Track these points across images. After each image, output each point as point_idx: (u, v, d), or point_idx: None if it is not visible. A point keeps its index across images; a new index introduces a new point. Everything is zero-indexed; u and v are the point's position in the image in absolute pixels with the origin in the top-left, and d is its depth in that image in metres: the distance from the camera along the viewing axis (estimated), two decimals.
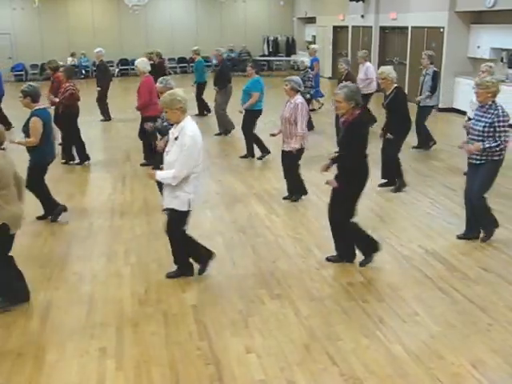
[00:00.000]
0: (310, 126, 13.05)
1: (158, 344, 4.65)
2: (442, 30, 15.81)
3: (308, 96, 12.81)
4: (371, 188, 8.74)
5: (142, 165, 10.06)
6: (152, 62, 13.28)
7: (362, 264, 6.01)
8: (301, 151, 7.92)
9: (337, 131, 11.01)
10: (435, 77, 11.00)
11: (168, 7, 26.90)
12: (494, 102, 6.18)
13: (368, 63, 13.17)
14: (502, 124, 6.07)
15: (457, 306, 5.22)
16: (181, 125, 5.27)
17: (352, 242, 6.06)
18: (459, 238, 6.70)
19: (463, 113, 14.93)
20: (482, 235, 6.64)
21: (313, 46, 16.04)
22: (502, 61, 14.56)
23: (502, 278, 5.76)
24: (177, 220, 5.54)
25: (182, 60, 26.52)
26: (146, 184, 8.75)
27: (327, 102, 16.14)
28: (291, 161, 7.99)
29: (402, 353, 4.47)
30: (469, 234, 6.68)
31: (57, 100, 10.11)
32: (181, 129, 5.25)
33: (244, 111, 10.46)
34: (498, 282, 5.67)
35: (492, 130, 6.09)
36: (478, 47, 15.12)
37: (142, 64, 10.02)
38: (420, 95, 11.16)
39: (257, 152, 10.64)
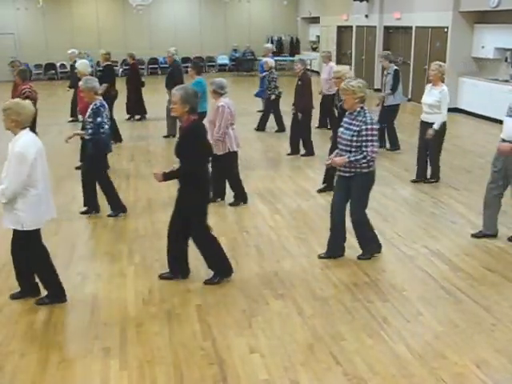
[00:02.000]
0: (281, 127, 13.03)
1: (161, 344, 4.66)
2: (446, 29, 15.78)
3: (273, 97, 12.77)
4: (374, 188, 8.75)
5: (77, 168, 9.62)
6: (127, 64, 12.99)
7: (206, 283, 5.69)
8: (229, 155, 7.72)
9: (291, 134, 10.94)
10: (396, 75, 10.88)
11: (172, 7, 26.95)
12: (362, 108, 5.66)
13: (332, 63, 13.07)
14: (369, 133, 5.55)
15: (461, 306, 5.21)
16: (15, 138, 4.88)
17: (212, 252, 5.68)
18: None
19: (467, 113, 14.94)
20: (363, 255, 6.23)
21: (266, 45, 15.67)
22: (506, 60, 14.53)
23: (506, 278, 5.75)
24: (18, 239, 5.06)
25: (185, 60, 26.51)
26: (150, 184, 8.77)
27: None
28: (222, 165, 7.79)
29: (405, 353, 4.47)
30: (329, 253, 6.22)
31: None
32: (14, 142, 4.86)
33: None
34: (502, 283, 5.66)
35: (360, 139, 5.58)
36: (483, 47, 15.09)
37: (83, 66, 9.71)
38: (384, 96, 11.07)
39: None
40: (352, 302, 5.28)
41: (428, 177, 9.01)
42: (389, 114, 11.12)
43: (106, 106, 7.37)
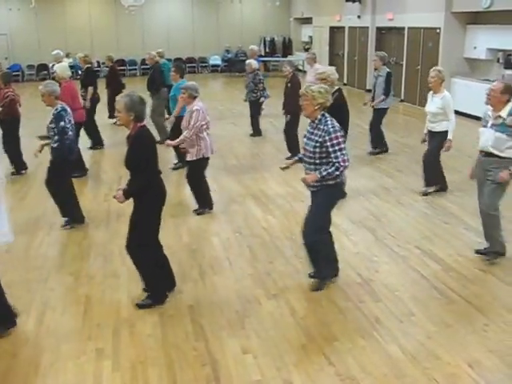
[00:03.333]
0: (258, 132, 12.87)
1: (154, 345, 4.65)
2: (438, 30, 15.83)
3: (262, 99, 12.69)
4: (368, 189, 8.78)
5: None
6: (106, 66, 12.69)
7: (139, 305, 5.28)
8: (201, 161, 7.52)
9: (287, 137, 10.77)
10: (388, 78, 10.66)
11: (164, 8, 26.90)
12: (324, 115, 5.19)
13: (317, 65, 12.77)
14: (334, 142, 5.04)
15: (453, 306, 5.22)
16: None
17: (148, 272, 5.26)
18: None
19: (459, 113, 14.99)
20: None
21: (252, 46, 15.55)
22: (498, 61, 14.58)
23: (498, 278, 5.77)
24: None
25: (178, 61, 26.47)
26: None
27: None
28: (192, 171, 7.63)
29: (398, 353, 4.48)
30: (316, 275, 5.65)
31: None
32: None
33: (174, 118, 9.48)
34: (495, 283, 5.68)
35: (324, 149, 5.07)
36: (475, 48, 15.15)
37: (62, 69, 9.50)
38: (373, 98, 10.92)
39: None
40: (344, 303, 5.29)
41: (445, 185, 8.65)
42: (377, 116, 11.01)
43: (69, 110, 7.05)
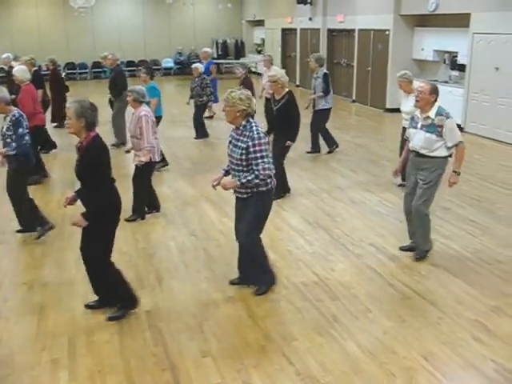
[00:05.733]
0: (204, 134, 12.85)
1: (112, 352, 4.59)
2: (387, 32, 16.14)
3: (210, 103, 12.70)
4: (322, 188, 8.88)
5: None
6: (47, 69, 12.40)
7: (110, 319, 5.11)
8: (150, 165, 7.41)
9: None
10: (326, 79, 10.88)
11: (115, 10, 26.57)
12: (248, 121, 5.10)
13: (274, 66, 12.91)
14: (257, 149, 4.98)
15: (408, 301, 5.33)
16: None
17: (111, 287, 5.11)
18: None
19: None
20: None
21: (205, 49, 15.56)
22: (444, 62, 14.97)
23: (450, 272, 5.93)
24: None
25: (130, 63, 26.22)
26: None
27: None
28: (139, 175, 7.49)
29: (356, 350, 4.54)
30: (243, 281, 5.68)
31: None
32: None
33: None
34: (447, 277, 5.83)
35: (250, 156, 5.02)
36: (422, 49, 15.50)
37: (21, 72, 9.30)
38: (313, 101, 11.10)
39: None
40: (302, 302, 5.33)
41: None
42: (320, 117, 11.10)
43: (25, 115, 6.88)
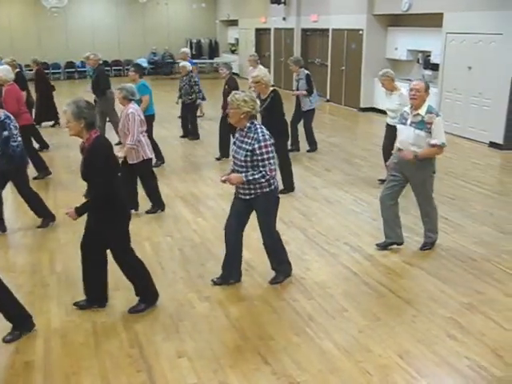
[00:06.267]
0: (196, 135, 12.83)
1: (87, 354, 4.55)
2: (361, 32, 16.24)
3: (199, 101, 12.67)
4: (298, 188, 8.90)
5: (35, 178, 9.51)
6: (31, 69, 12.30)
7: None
8: (144, 163, 7.45)
9: (220, 138, 10.86)
10: (309, 79, 10.97)
11: (88, 10, 26.30)
12: (253, 123, 5.18)
13: (260, 66, 12.94)
14: (263, 151, 5.06)
15: (383, 299, 5.37)
16: None
17: (140, 275, 5.22)
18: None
19: (383, 112, 15.42)
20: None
21: (183, 49, 15.53)
22: (418, 62, 15.12)
23: (425, 270, 5.99)
24: None
25: (104, 63, 25.91)
26: (70, 192, 8.57)
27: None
28: (141, 176, 7.67)
29: (332, 348, 4.56)
30: (226, 279, 5.72)
31: None
32: None
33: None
34: (422, 275, 5.89)
35: (255, 158, 5.09)
36: (396, 49, 15.63)
37: (4, 72, 9.21)
38: (298, 104, 11.17)
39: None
40: (278, 302, 5.34)
41: None
42: (307, 118, 11.25)
43: (12, 117, 6.83)
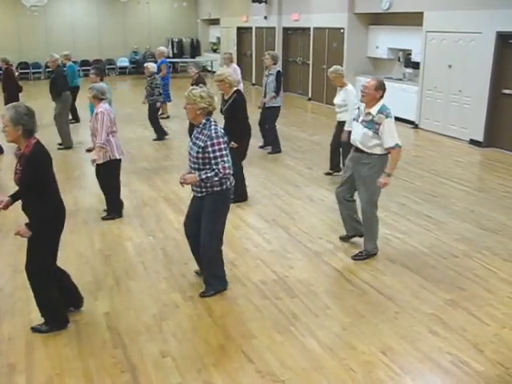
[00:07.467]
0: (162, 134, 12.76)
1: (70, 355, 4.51)
2: (342, 30, 16.31)
3: (158, 104, 12.63)
4: (279, 186, 8.91)
5: None
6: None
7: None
8: (111, 163, 7.31)
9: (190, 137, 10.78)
10: (279, 77, 10.94)
11: (68, 8, 26.06)
12: (208, 120, 5.08)
13: (234, 64, 13.11)
14: (216, 148, 4.92)
15: (366, 297, 5.40)
16: None
17: (46, 297, 4.86)
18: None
19: None
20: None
21: (160, 48, 15.34)
22: (399, 60, 15.21)
23: (407, 267, 6.03)
24: None
25: (85, 63, 25.79)
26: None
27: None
28: (102, 174, 7.45)
29: (315, 346, 4.58)
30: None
31: None
32: None
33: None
34: (404, 272, 5.93)
35: (207, 155, 4.96)
36: (377, 47, 15.72)
37: None
38: (264, 97, 11.14)
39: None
40: (261, 300, 5.35)
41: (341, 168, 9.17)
42: (270, 115, 11.12)
43: None
